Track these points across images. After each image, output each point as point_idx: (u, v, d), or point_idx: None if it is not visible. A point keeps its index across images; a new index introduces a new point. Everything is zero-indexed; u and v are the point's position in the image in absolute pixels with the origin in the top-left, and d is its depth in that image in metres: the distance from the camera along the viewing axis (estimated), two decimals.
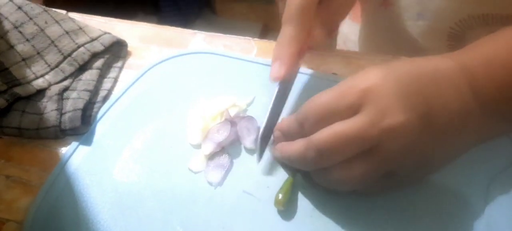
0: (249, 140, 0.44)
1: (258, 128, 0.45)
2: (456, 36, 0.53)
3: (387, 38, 0.59)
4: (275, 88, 0.43)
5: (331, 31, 0.48)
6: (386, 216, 0.39)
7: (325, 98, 0.37)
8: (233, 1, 1.95)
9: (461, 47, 0.40)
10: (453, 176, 0.40)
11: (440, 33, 0.53)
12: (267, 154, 0.43)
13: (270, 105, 0.43)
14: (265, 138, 0.42)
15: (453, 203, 0.40)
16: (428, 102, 0.36)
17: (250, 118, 0.45)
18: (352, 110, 0.36)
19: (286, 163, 0.42)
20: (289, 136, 0.40)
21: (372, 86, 0.36)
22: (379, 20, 0.60)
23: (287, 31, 0.42)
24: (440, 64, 0.38)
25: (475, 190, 0.40)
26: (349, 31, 0.66)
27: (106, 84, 0.50)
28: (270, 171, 0.43)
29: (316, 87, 0.47)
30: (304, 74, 0.49)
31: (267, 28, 1.88)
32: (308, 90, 0.47)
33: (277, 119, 0.44)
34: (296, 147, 0.39)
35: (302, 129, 0.39)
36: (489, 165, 0.41)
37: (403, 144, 0.35)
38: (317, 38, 0.45)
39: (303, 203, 0.40)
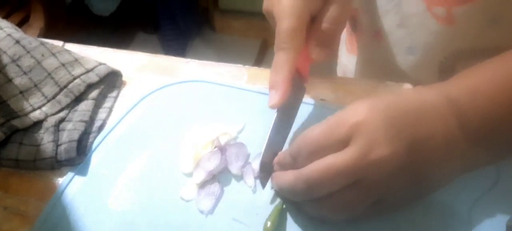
0: (235, 166, 0.45)
1: (248, 155, 0.46)
2: (447, 69, 0.53)
3: (381, 70, 0.60)
4: (273, 115, 0.44)
5: (332, 49, 0.46)
6: None
7: (316, 133, 0.39)
8: (232, 18, 1.97)
9: None
10: (438, 196, 0.41)
11: (430, 66, 0.54)
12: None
13: (268, 133, 0.43)
14: (265, 166, 0.43)
15: (438, 223, 0.41)
16: (415, 134, 0.37)
17: (240, 145, 0.47)
18: (342, 144, 0.37)
19: (278, 192, 0.43)
20: (284, 169, 0.41)
21: (361, 120, 0.37)
22: (372, 52, 0.61)
23: (279, 57, 0.43)
24: (426, 96, 0.39)
25: (459, 211, 0.41)
26: (348, 62, 0.67)
27: (101, 114, 0.51)
28: (259, 198, 0.44)
29: (305, 114, 0.49)
30: None
31: (266, 44, 1.90)
32: (297, 116, 0.48)
33: (282, 145, 0.44)
34: (286, 178, 0.40)
35: (295, 163, 0.40)
36: (473, 186, 0.42)
37: (390, 173, 0.36)
38: (317, 58, 0.45)
39: (292, 230, 0.41)
